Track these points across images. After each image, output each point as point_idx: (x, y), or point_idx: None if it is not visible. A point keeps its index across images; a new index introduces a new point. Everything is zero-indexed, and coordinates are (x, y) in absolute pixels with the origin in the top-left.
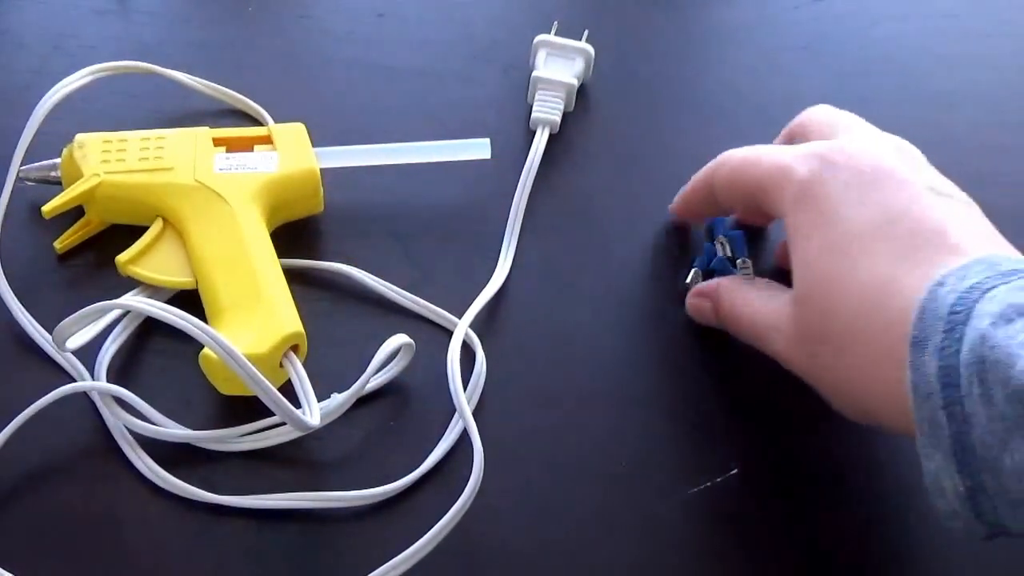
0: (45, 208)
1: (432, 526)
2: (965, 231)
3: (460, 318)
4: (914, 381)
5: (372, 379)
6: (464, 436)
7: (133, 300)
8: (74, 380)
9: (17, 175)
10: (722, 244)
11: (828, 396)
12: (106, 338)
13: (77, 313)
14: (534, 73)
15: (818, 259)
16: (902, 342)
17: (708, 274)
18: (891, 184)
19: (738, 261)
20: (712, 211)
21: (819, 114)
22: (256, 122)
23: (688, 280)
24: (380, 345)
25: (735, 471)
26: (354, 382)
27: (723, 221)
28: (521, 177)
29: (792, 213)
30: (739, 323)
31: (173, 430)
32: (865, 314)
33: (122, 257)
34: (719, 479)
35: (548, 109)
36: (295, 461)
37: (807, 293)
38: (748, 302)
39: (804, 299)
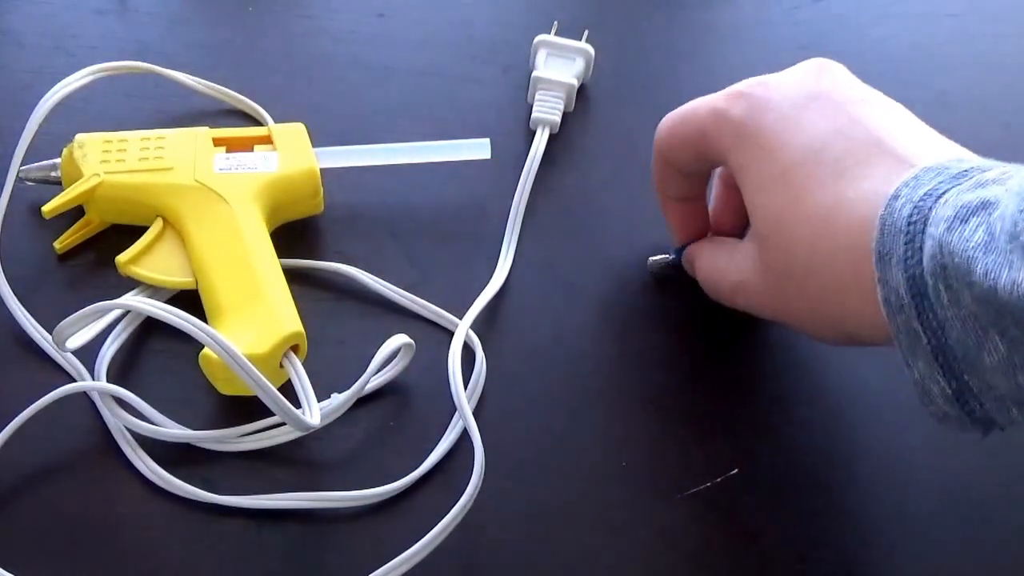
0: (45, 208)
1: (432, 526)
2: (905, 138)
3: (460, 318)
4: (884, 296)
5: (372, 379)
6: (464, 436)
7: (133, 300)
8: (74, 380)
9: (17, 175)
10: None
11: (806, 329)
12: (106, 338)
13: (77, 313)
14: (534, 73)
15: (765, 195)
16: (865, 259)
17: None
18: (821, 105)
19: None
20: (681, 186)
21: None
22: (256, 122)
23: (652, 259)
24: (380, 345)
25: (735, 471)
26: (354, 382)
27: None
28: (521, 177)
29: (733, 154)
30: (711, 289)
31: (173, 430)
32: (822, 239)
33: (122, 257)
34: (719, 479)
35: (548, 109)
36: (295, 461)
37: (763, 232)
38: (714, 266)
39: (761, 239)
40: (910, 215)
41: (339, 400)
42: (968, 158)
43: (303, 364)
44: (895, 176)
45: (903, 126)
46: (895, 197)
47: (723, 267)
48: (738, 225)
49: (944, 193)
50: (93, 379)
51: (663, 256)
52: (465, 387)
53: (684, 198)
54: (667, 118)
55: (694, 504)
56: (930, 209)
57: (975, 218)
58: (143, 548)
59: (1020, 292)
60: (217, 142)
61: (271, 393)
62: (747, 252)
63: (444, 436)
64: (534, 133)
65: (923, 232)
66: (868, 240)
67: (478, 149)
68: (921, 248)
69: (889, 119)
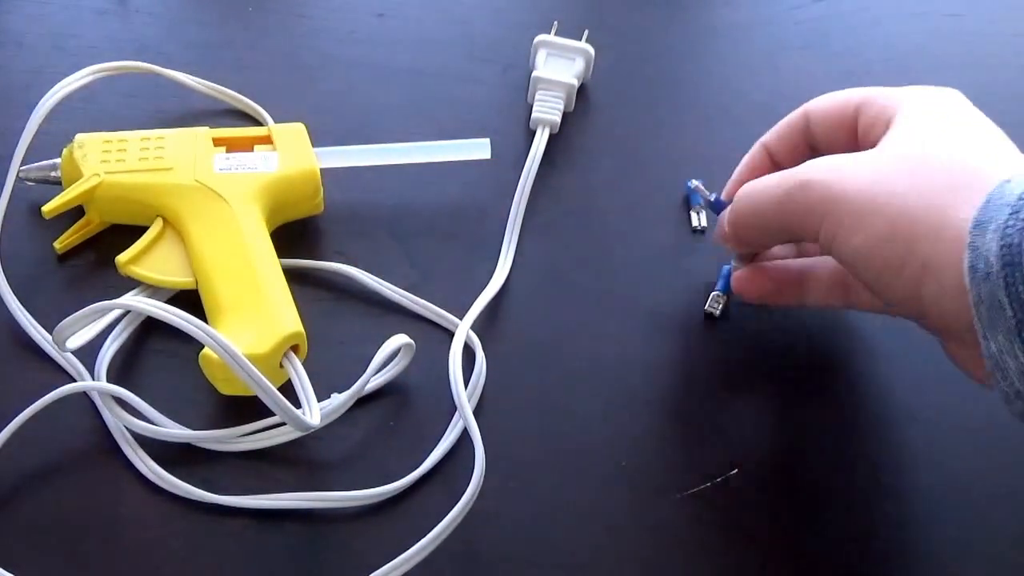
0: (45, 208)
1: (432, 526)
2: None
3: (460, 318)
4: (971, 262)
5: (372, 379)
6: (463, 436)
7: (133, 300)
8: (74, 380)
9: (17, 175)
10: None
11: (865, 212)
12: (106, 338)
13: (77, 313)
14: (534, 73)
15: (936, 123)
16: (962, 222)
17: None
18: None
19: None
20: (790, 153)
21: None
22: (256, 122)
23: (708, 306)
24: (380, 345)
25: (735, 471)
26: (354, 382)
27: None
28: (521, 177)
29: (910, 104)
30: (754, 188)
31: (173, 430)
32: (970, 160)
33: (122, 257)
34: (719, 479)
35: (548, 109)
36: (295, 461)
37: (917, 130)
38: (772, 178)
39: (906, 135)
40: (1021, 194)
41: (339, 400)
42: None
43: (303, 364)
44: None
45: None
46: (1008, 180)
47: (852, 162)
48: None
49: None
50: (93, 379)
51: (716, 301)
52: (465, 387)
53: (775, 163)
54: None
55: (694, 504)
56: None
57: None
58: (143, 548)
59: None
60: (217, 142)
61: (271, 393)
62: (884, 152)
63: (444, 436)
64: (534, 133)
65: None
66: (972, 208)
67: (478, 149)
68: None
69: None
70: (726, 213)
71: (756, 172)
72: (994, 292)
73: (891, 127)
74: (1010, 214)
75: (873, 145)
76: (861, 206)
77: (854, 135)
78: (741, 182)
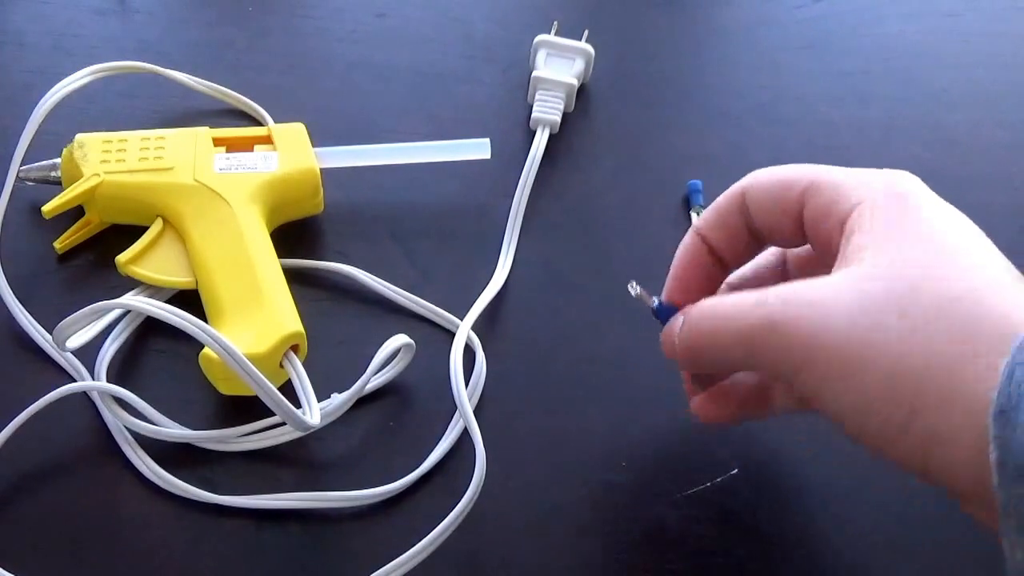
0: (45, 208)
1: (432, 526)
2: None
3: (460, 318)
4: (1000, 457)
5: (372, 379)
6: (464, 436)
7: (133, 300)
8: (74, 380)
9: (17, 175)
10: None
11: (852, 373)
12: (106, 338)
13: (77, 313)
14: (534, 73)
15: (916, 240)
16: (1000, 353)
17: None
18: (976, 227)
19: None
20: (728, 238)
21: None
22: (256, 122)
23: (634, 290)
24: (380, 345)
25: (735, 471)
26: (354, 382)
27: None
28: (521, 177)
29: (869, 205)
30: (714, 316)
31: (173, 430)
32: (972, 297)
33: (122, 257)
34: (719, 479)
35: (548, 109)
36: (295, 461)
37: (901, 260)
38: (730, 308)
39: (888, 267)
40: None
41: (339, 400)
42: None
43: (303, 364)
44: None
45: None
46: (1021, 347)
47: (749, 298)
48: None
49: None
50: (93, 379)
51: (647, 298)
52: (465, 387)
53: (718, 255)
54: (769, 168)
55: (694, 504)
56: None
57: None
58: (143, 548)
59: None
60: (217, 142)
61: (271, 393)
62: (822, 280)
63: (444, 436)
64: (534, 133)
65: None
66: (996, 366)
67: (478, 149)
68: None
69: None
70: (675, 327)
71: (693, 266)
72: None
73: (853, 234)
74: None
75: (827, 246)
76: (848, 360)
77: (799, 224)
78: (679, 280)
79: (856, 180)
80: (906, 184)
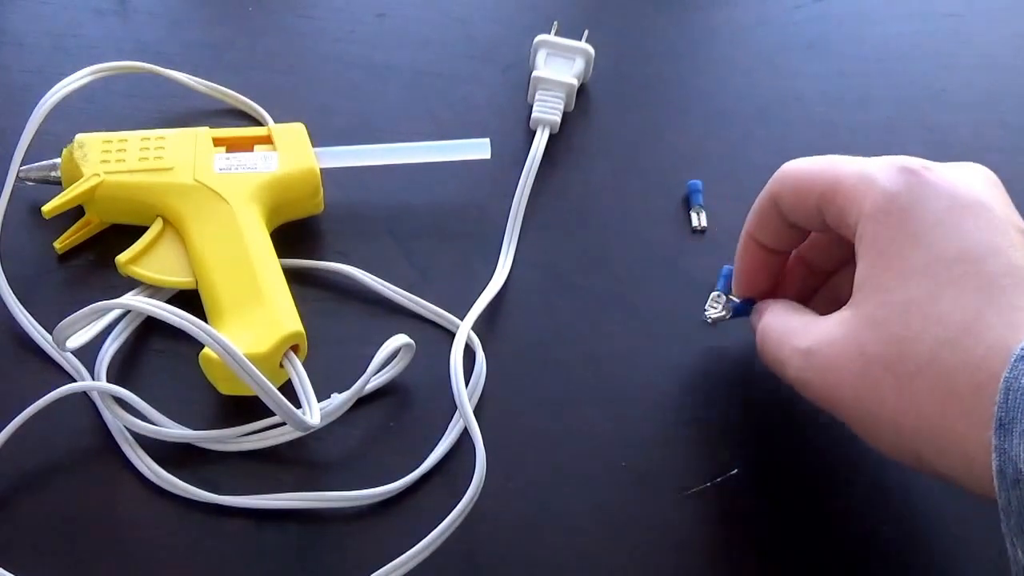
0: (45, 208)
1: (432, 526)
2: None
3: (459, 318)
4: (999, 465)
5: (372, 379)
6: (464, 436)
7: (133, 300)
8: (74, 380)
9: (17, 175)
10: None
11: (868, 428)
12: (106, 338)
13: (77, 313)
14: (534, 73)
15: (898, 281)
16: (990, 389)
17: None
18: (985, 217)
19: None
20: (778, 235)
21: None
22: (256, 122)
23: (708, 305)
24: (380, 345)
25: (735, 471)
26: (354, 382)
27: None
28: (521, 177)
29: (869, 224)
30: (768, 345)
31: (173, 430)
32: (950, 348)
33: (122, 257)
34: (719, 479)
35: (548, 109)
36: (295, 461)
37: (879, 316)
38: (785, 325)
39: (874, 322)
40: None
41: (339, 400)
42: None
43: (303, 364)
44: None
45: None
46: (1021, 358)
47: (795, 328)
48: (798, 296)
49: None
50: (93, 379)
51: (719, 312)
52: (465, 387)
53: (772, 249)
54: (796, 161)
55: (694, 504)
56: None
57: None
58: (143, 548)
59: None
60: (217, 142)
61: (271, 393)
62: (836, 325)
63: (444, 436)
64: (534, 133)
65: None
66: (1000, 373)
67: (478, 149)
68: None
69: None
70: (754, 321)
71: (754, 265)
72: None
73: (859, 259)
74: None
75: (850, 238)
76: (858, 420)
77: (824, 220)
78: (743, 279)
79: (865, 186)
80: (909, 194)
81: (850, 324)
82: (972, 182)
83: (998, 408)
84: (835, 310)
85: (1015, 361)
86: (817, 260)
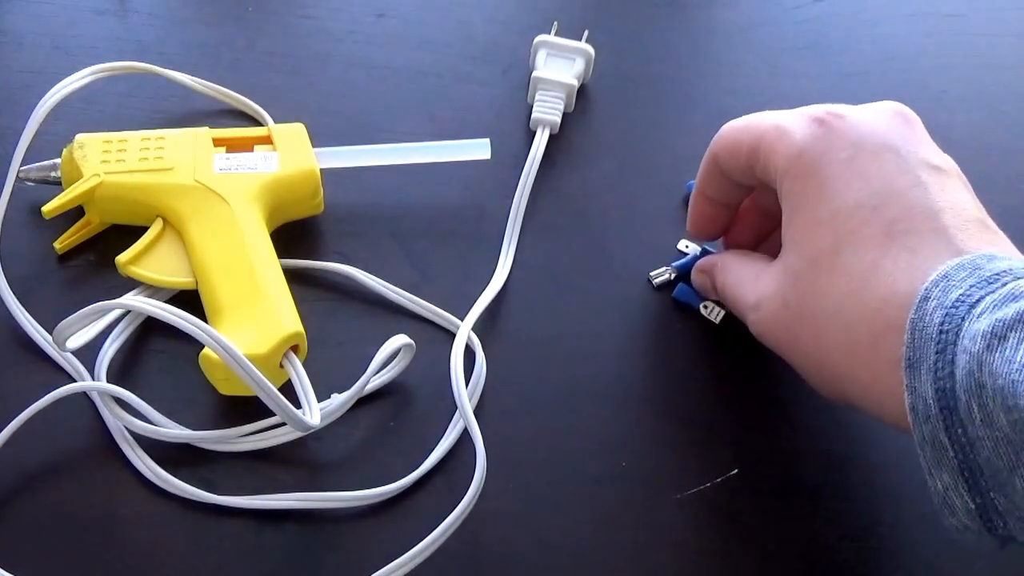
0: (45, 208)
1: (432, 526)
2: (954, 217)
3: (460, 318)
4: (911, 403)
5: (372, 379)
6: (464, 436)
7: (133, 300)
8: (74, 380)
9: (17, 175)
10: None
11: (808, 375)
12: (106, 338)
13: (77, 313)
14: (534, 73)
15: (807, 234)
16: (887, 334)
17: (680, 277)
18: (889, 160)
19: (701, 307)
20: (722, 189)
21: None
22: (256, 122)
23: (654, 273)
24: (380, 345)
25: (735, 471)
26: (354, 382)
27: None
28: (521, 177)
29: (784, 179)
30: (730, 301)
31: (173, 430)
32: (851, 298)
33: (122, 257)
34: (719, 479)
35: (548, 109)
36: (295, 461)
37: (796, 269)
38: (738, 279)
39: (793, 275)
40: (941, 323)
41: (339, 400)
42: (1001, 254)
43: (303, 364)
44: (938, 259)
45: (962, 204)
46: (925, 299)
47: (747, 283)
48: (753, 244)
49: (978, 302)
50: (93, 379)
51: (663, 273)
52: (465, 387)
53: (720, 202)
54: (732, 121)
55: (694, 504)
56: (963, 319)
57: (1013, 335)
58: (143, 548)
59: None
60: (217, 142)
61: (271, 393)
62: (772, 277)
63: (444, 436)
64: (534, 133)
65: (955, 344)
66: (895, 320)
67: (478, 149)
68: (953, 360)
69: (951, 193)
70: (709, 265)
71: (705, 216)
72: (935, 434)
73: (783, 213)
74: (936, 353)
75: (774, 190)
76: (796, 364)
77: (756, 175)
78: (697, 229)
79: (781, 141)
80: (815, 145)
81: (778, 278)
82: (878, 125)
83: (906, 348)
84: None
85: (919, 302)
86: (768, 205)
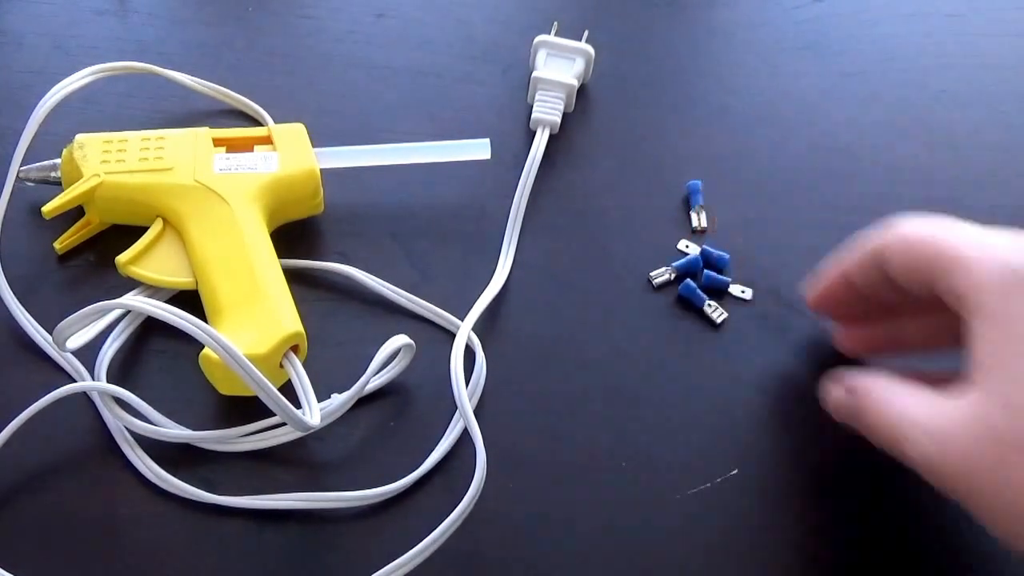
0: (45, 208)
1: (432, 526)
2: None
3: (460, 318)
4: None
5: (372, 379)
6: (464, 436)
7: (133, 300)
8: (74, 380)
9: (17, 175)
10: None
11: (1004, 517)
12: (106, 338)
13: (77, 313)
14: (534, 73)
15: (1014, 375)
16: None
17: (681, 277)
18: None
19: (705, 305)
20: (875, 290)
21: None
22: (256, 122)
23: (654, 273)
24: (380, 345)
25: (735, 471)
26: (354, 382)
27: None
28: (521, 177)
29: (993, 298)
30: (879, 425)
31: (173, 430)
32: None
33: (122, 257)
34: (719, 479)
35: (548, 109)
36: (295, 461)
37: (1019, 400)
38: (905, 404)
39: (1012, 406)
40: None
41: (339, 400)
42: None
43: (303, 364)
44: None
45: None
46: None
47: (915, 407)
48: (860, 322)
49: None
50: (93, 379)
51: (663, 273)
52: (465, 387)
53: (864, 294)
54: (909, 221)
55: (694, 504)
56: None
57: None
58: (143, 548)
59: None
60: (217, 142)
61: (271, 393)
62: (967, 407)
63: (444, 436)
64: (534, 133)
65: None
66: None
67: (478, 149)
68: None
69: None
70: (844, 389)
71: (836, 296)
72: None
73: (974, 341)
74: None
75: (956, 308)
76: (992, 504)
77: (932, 286)
78: (821, 302)
79: (988, 258)
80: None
81: (982, 408)
82: None
83: None
84: (891, 349)
85: None
86: (880, 294)
